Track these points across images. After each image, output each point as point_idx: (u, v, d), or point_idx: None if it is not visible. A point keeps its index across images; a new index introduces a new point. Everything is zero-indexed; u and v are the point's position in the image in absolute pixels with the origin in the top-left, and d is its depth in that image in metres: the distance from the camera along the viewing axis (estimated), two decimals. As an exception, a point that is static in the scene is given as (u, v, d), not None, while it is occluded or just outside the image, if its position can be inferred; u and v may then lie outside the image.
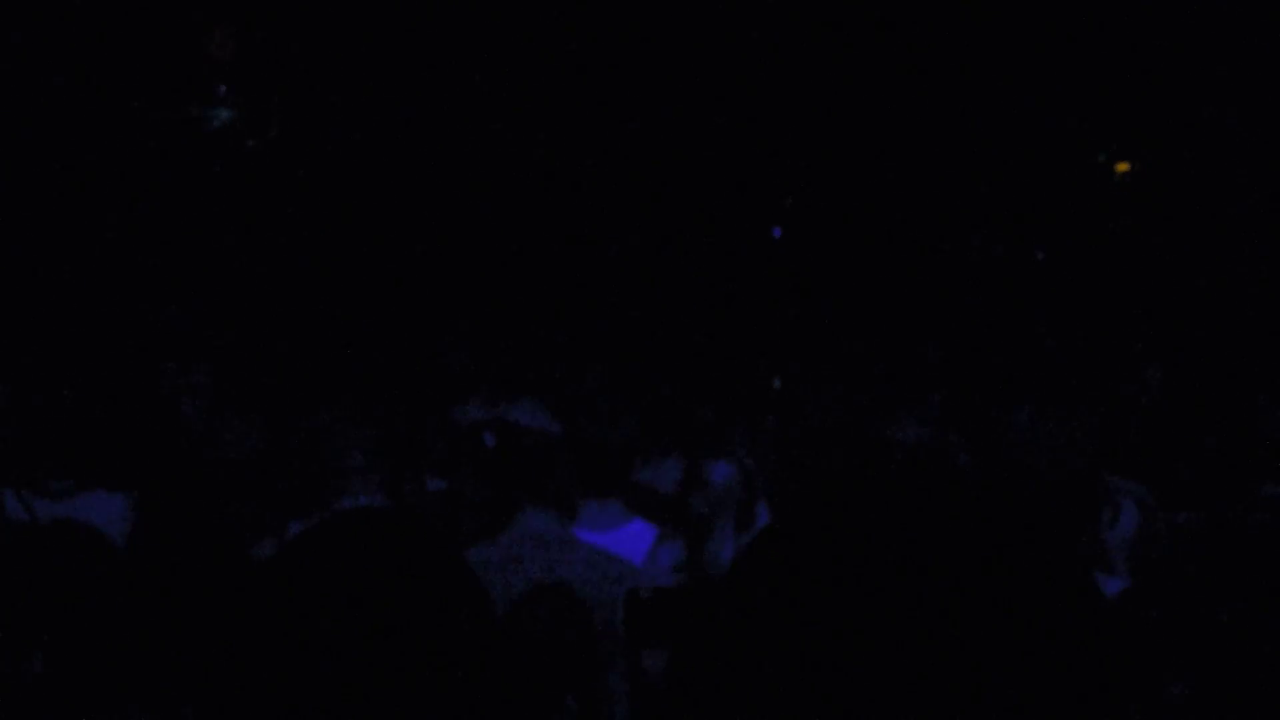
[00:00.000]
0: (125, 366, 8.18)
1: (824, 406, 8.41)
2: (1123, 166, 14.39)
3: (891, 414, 8.35)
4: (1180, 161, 13.85)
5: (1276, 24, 12.36)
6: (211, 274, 11.97)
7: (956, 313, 13.38)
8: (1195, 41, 12.92)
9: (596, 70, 13.55)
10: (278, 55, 13.34)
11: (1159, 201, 13.97)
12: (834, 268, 14.30)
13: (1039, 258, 14.63)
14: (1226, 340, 11.65)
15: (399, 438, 6.24)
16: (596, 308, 12.90)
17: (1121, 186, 14.40)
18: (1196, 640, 3.55)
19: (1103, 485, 6.16)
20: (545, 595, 4.54)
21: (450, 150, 13.43)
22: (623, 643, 4.72)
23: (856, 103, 13.88)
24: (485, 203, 13.56)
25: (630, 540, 5.61)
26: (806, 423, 7.61)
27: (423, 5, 12.75)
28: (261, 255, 12.54)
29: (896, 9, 13.44)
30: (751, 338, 12.39)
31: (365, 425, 6.29)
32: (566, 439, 5.98)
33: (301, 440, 6.54)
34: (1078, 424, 8.00)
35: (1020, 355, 11.53)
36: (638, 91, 13.75)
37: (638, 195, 14.07)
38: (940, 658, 1.51)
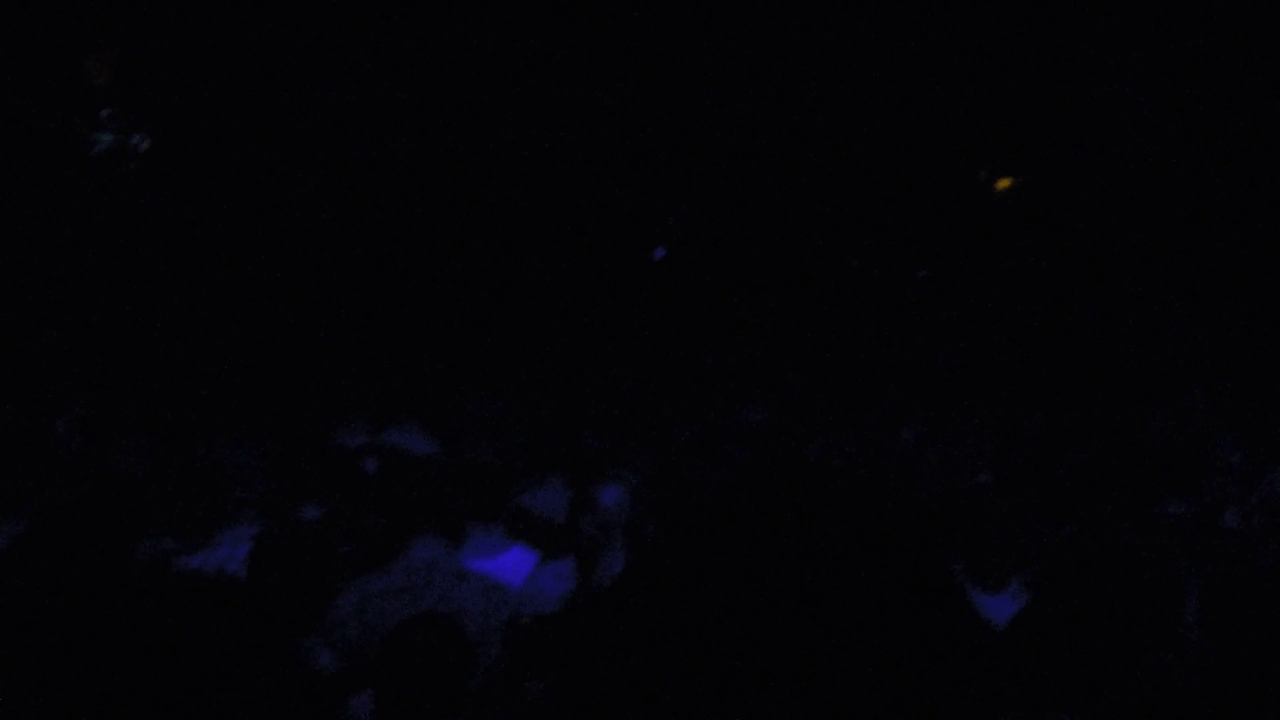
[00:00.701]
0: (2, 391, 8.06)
1: (711, 426, 8.38)
2: (1004, 183, 14.47)
3: (781, 431, 8.33)
4: (1061, 177, 13.95)
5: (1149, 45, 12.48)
6: (93, 298, 11.82)
7: (843, 332, 13.40)
8: (1074, 60, 13.01)
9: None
10: (158, 79, 13.22)
11: (1042, 217, 14.05)
12: (719, 288, 14.29)
13: (922, 275, 14.69)
14: (1118, 358, 11.72)
15: (279, 464, 6.16)
16: (478, 330, 12.82)
17: (1004, 203, 14.47)
18: (1083, 662, 3.53)
19: (993, 504, 6.16)
20: (429, 625, 4.46)
21: (333, 171, 13.33)
22: (504, 673, 4.65)
23: (739, 120, 13.89)
24: (364, 223, 13.46)
25: (512, 566, 5.55)
26: (693, 443, 7.57)
27: (300, 34, 12.66)
28: (143, 279, 12.40)
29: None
30: (636, 359, 12.35)
31: (247, 452, 6.20)
32: (449, 464, 5.90)
33: (183, 467, 6.44)
34: (968, 442, 8.03)
35: (910, 375, 11.56)
36: (513, 115, 13.71)
37: (517, 218, 14.01)
38: (823, 673, 1.50)
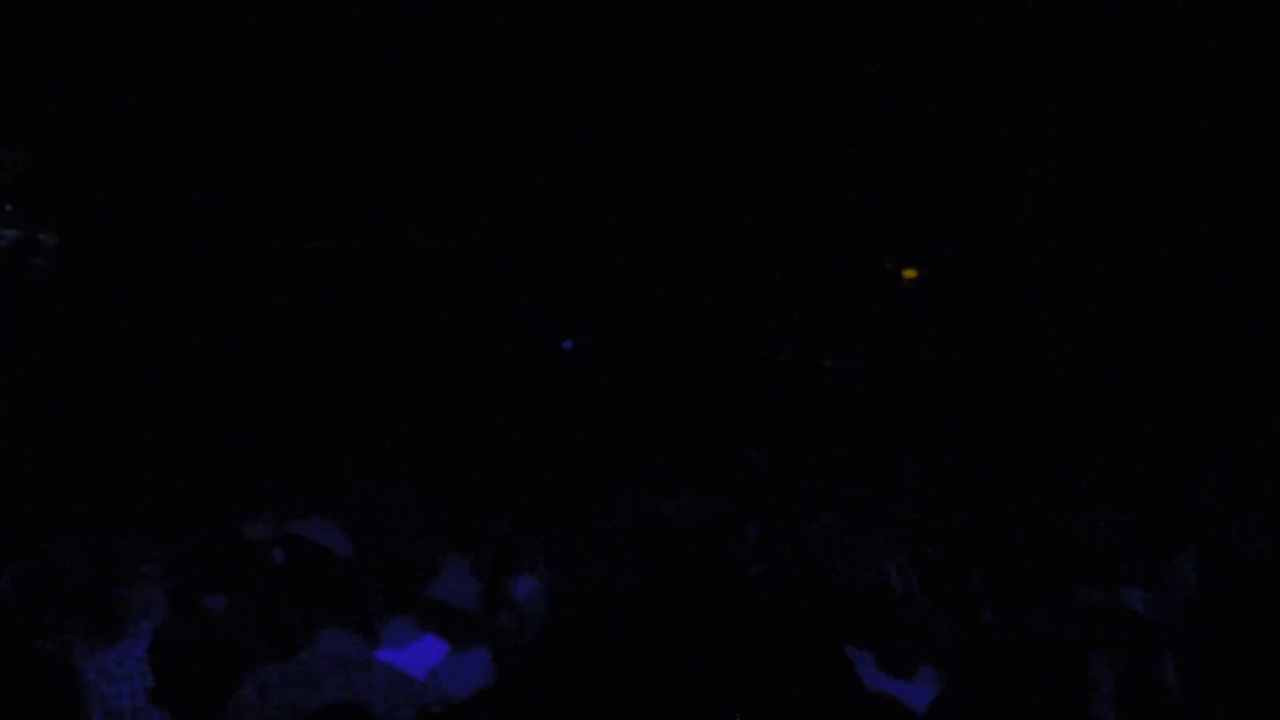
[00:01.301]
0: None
1: (623, 516, 8.36)
2: (910, 273, 14.57)
3: (693, 522, 8.32)
4: (968, 267, 14.07)
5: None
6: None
7: (756, 422, 13.43)
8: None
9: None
10: (63, 174, 13.17)
11: (950, 305, 14.15)
12: (631, 378, 14.31)
13: (830, 365, 14.76)
14: (1041, 444, 11.80)
15: (186, 555, 6.09)
16: (385, 421, 12.78)
17: (909, 291, 14.57)
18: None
19: (905, 592, 6.17)
20: (333, 715, 4.41)
21: (236, 264, 13.31)
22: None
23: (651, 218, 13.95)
24: (272, 313, 13.43)
25: (422, 656, 5.50)
26: (604, 533, 7.55)
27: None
28: (47, 372, 12.31)
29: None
30: (547, 450, 12.33)
31: (153, 543, 6.13)
32: (359, 555, 5.86)
33: (89, 559, 6.36)
34: (881, 532, 8.04)
35: (822, 465, 11.59)
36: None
37: (429, 308, 14.01)
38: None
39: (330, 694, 4.76)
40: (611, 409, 13.82)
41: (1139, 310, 13.26)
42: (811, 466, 11.42)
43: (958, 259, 14.13)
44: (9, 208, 13.07)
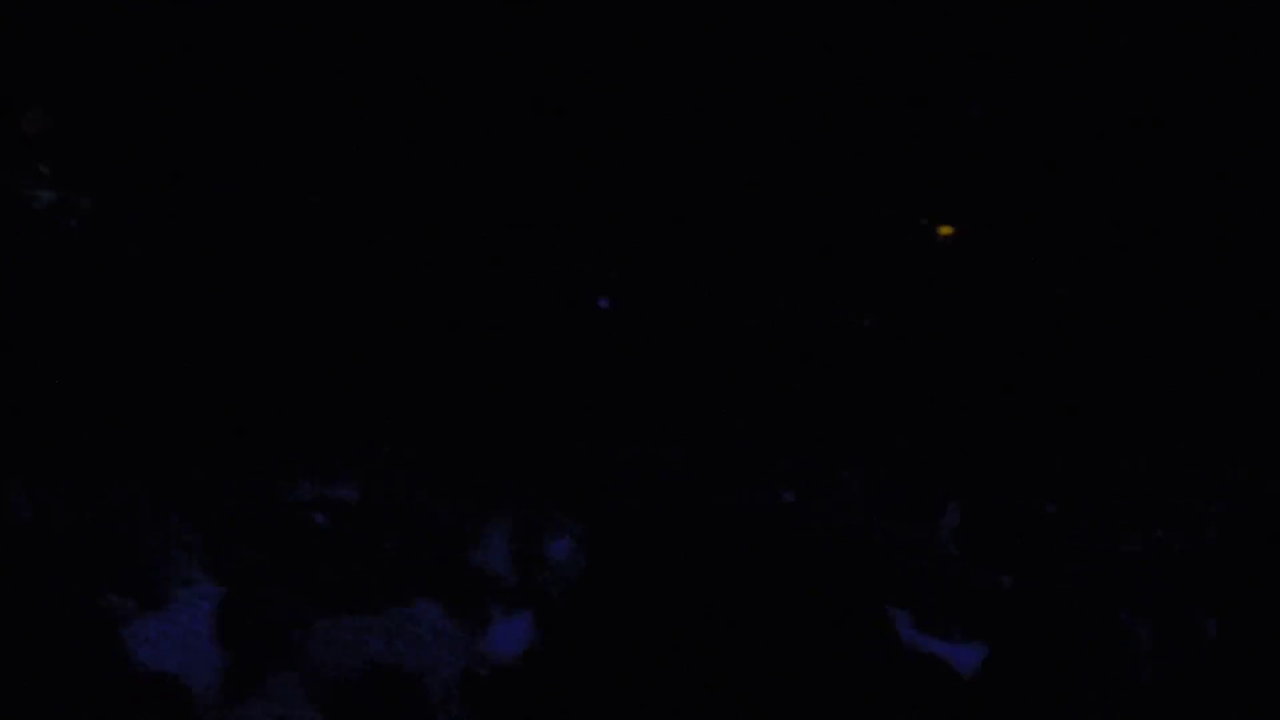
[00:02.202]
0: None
1: (653, 471, 8.37)
2: (946, 230, 14.55)
3: (718, 479, 8.34)
4: (1004, 227, 14.02)
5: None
6: (37, 355, 11.76)
7: (787, 378, 13.41)
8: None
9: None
10: (97, 135, 13.18)
11: (990, 265, 14.10)
12: (662, 337, 14.29)
13: (866, 325, 14.74)
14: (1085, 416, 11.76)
15: (226, 521, 6.12)
16: (415, 386, 12.78)
17: (949, 250, 14.54)
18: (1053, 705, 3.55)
19: (942, 552, 6.18)
20: (383, 676, 4.45)
21: (271, 236, 13.32)
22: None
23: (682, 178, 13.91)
24: (309, 284, 13.44)
25: (467, 620, 5.52)
26: (636, 488, 7.56)
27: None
28: (86, 340, 12.33)
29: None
30: (571, 407, 12.31)
31: (182, 504, 6.17)
32: (398, 517, 5.89)
33: (125, 527, 6.39)
34: (913, 485, 8.04)
35: (854, 415, 11.57)
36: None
37: (460, 262, 14.00)
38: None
39: (374, 654, 4.80)
40: (647, 366, 13.81)
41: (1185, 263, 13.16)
42: (847, 422, 11.41)
43: (998, 214, 14.08)
44: (44, 169, 13.10)
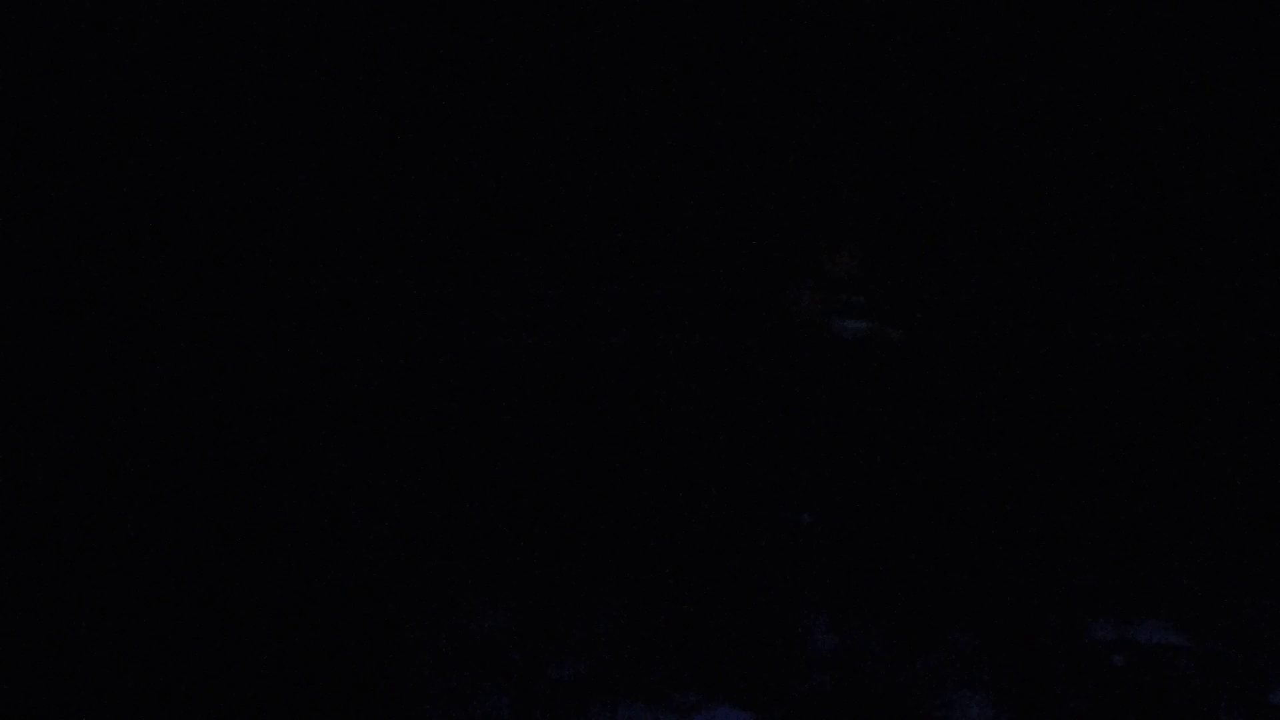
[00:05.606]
0: None
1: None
2: None
3: None
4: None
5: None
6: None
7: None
8: None
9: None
10: (908, 270, 13.41)
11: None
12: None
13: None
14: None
15: (1014, 652, 6.00)
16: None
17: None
18: None
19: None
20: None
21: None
22: None
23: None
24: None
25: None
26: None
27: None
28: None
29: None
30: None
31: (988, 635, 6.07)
32: (1201, 659, 5.62)
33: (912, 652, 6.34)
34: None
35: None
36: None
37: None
38: None
39: None
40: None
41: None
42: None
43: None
44: (857, 301, 13.41)
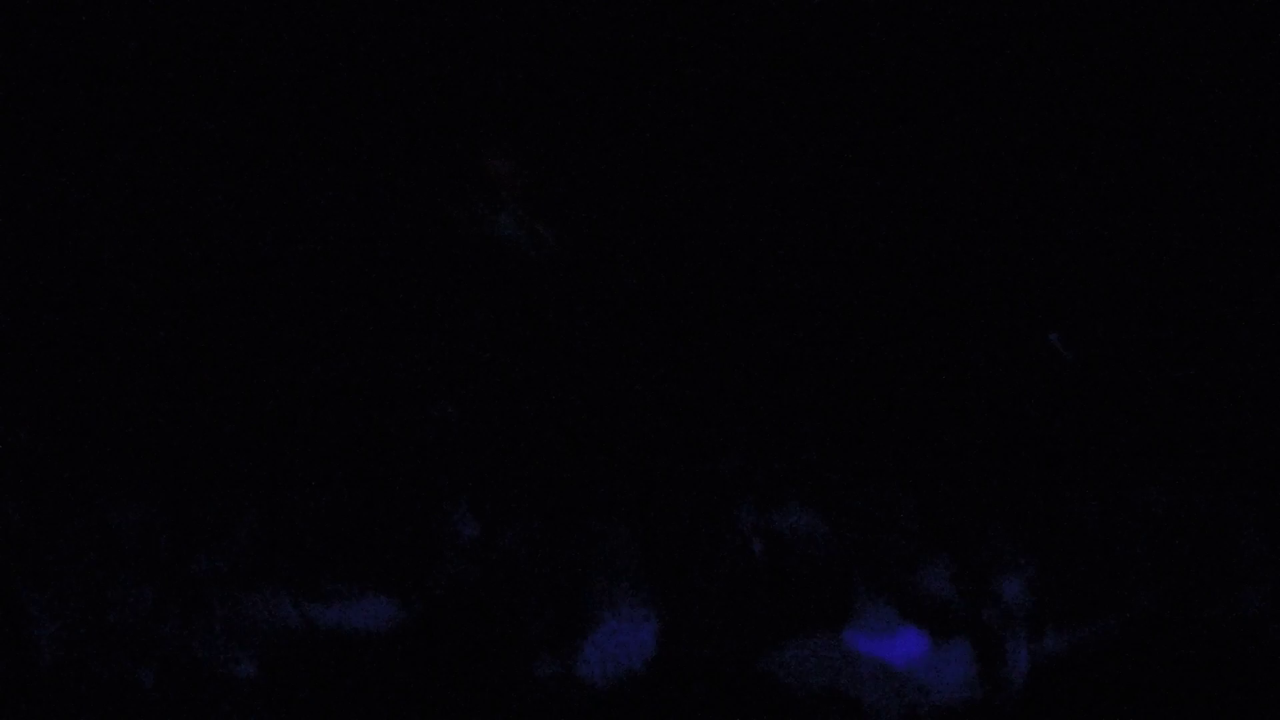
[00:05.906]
0: None
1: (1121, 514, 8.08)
2: None
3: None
4: None
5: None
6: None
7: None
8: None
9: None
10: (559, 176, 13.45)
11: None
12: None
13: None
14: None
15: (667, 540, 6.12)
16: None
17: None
18: None
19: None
20: (829, 709, 4.39)
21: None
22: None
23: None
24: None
25: (904, 648, 5.42)
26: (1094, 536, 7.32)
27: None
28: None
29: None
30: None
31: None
32: (840, 545, 5.81)
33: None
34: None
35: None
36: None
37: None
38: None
39: (815, 684, 4.75)
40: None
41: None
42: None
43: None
44: (508, 201, 13.41)
